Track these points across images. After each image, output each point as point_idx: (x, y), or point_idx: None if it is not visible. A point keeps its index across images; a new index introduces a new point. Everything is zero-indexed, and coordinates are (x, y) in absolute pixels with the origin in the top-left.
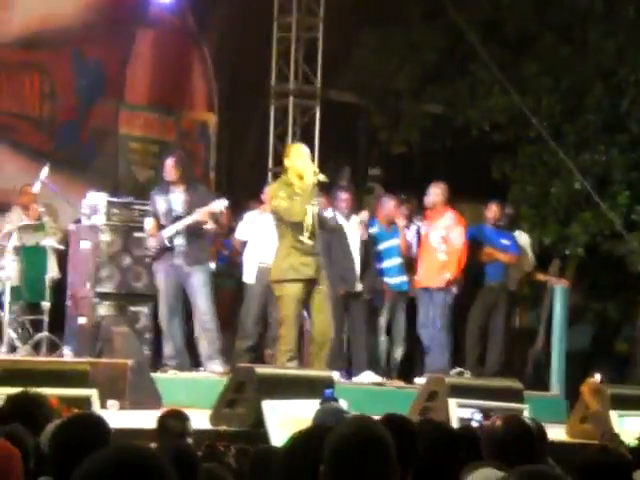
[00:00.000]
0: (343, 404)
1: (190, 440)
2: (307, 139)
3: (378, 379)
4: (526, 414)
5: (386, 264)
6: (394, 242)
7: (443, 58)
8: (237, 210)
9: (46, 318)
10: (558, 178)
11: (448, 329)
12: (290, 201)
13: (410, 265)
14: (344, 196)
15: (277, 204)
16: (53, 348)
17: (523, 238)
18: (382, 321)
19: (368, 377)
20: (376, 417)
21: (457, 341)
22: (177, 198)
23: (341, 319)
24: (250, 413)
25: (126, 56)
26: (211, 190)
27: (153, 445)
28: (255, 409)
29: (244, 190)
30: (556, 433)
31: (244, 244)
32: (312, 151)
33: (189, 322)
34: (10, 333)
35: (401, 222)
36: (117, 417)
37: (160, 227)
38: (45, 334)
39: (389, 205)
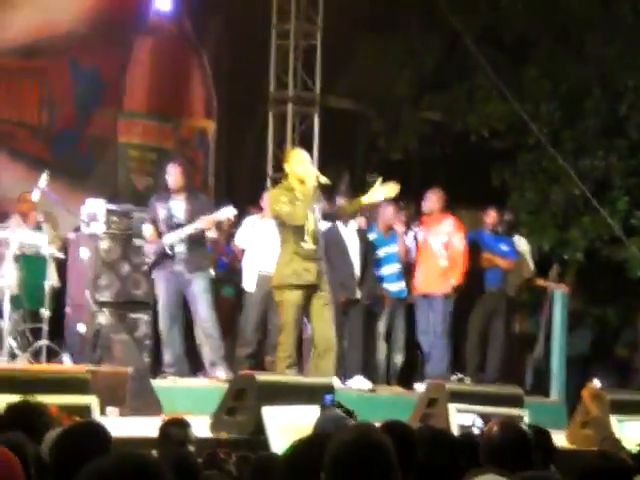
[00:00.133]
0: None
1: (192, 448)
2: (306, 145)
3: (369, 384)
4: (526, 420)
5: (385, 270)
6: (393, 248)
7: (441, 65)
8: (236, 217)
9: (46, 326)
10: (557, 184)
11: (448, 335)
12: (292, 205)
13: (408, 270)
14: (343, 202)
15: (279, 208)
16: (53, 356)
17: (522, 244)
18: (381, 327)
19: (358, 382)
20: (376, 424)
21: (457, 347)
22: (178, 206)
23: (342, 326)
24: (250, 420)
25: (124, 64)
26: (210, 197)
27: (154, 453)
28: (255, 416)
29: (243, 197)
30: (556, 439)
31: (243, 252)
32: (311, 157)
33: (189, 329)
34: (10, 341)
35: (400, 228)
36: (117, 424)
37: (158, 234)
38: (45, 342)
39: (388, 211)
